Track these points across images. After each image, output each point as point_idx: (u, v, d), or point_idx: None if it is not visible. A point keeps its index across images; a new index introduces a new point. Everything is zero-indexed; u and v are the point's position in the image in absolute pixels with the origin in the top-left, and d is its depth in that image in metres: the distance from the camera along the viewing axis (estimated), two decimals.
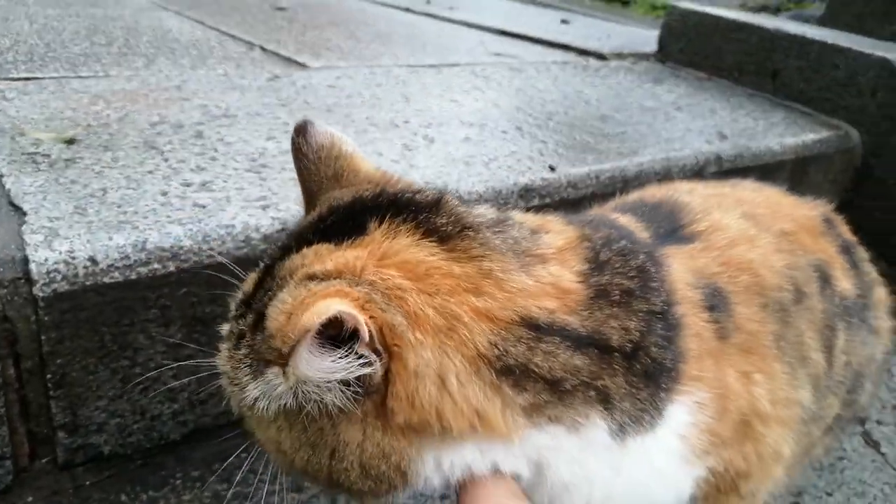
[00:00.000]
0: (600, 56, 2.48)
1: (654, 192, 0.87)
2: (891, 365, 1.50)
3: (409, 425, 0.50)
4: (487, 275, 0.52)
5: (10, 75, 1.43)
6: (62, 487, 0.89)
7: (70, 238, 0.82)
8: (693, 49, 2.37)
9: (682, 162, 1.48)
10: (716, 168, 1.54)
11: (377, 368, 0.48)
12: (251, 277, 0.58)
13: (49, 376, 0.84)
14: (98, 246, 0.82)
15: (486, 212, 0.58)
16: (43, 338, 0.81)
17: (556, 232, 0.61)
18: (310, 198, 0.64)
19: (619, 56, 2.50)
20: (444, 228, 0.54)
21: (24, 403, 0.84)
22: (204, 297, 0.90)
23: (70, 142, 1.09)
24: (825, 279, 0.79)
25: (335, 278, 0.49)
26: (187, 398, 0.96)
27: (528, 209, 1.15)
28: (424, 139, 1.35)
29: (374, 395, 0.49)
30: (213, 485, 0.93)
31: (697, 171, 1.50)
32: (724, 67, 2.26)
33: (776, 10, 5.07)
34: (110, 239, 0.84)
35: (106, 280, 0.82)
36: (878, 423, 1.32)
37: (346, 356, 0.47)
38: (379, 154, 1.24)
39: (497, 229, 0.56)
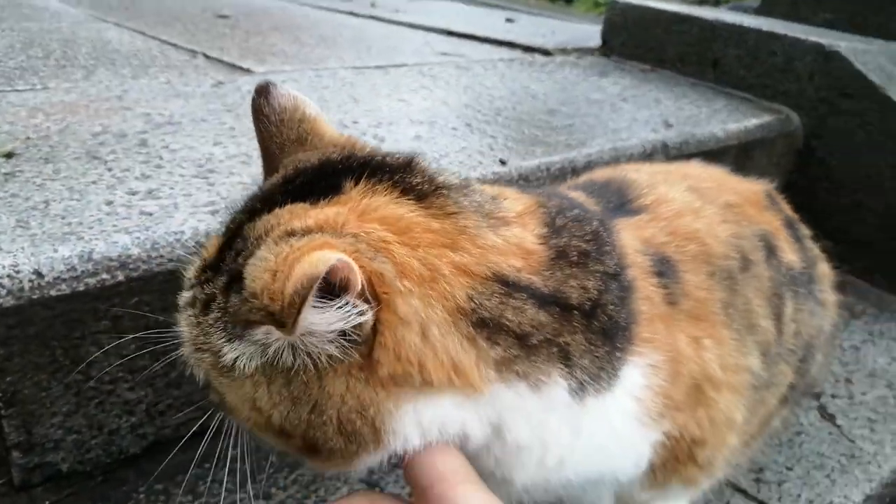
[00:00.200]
0: (546, 52, 2.51)
1: (602, 173, 0.90)
2: (840, 340, 1.56)
3: (392, 377, 0.50)
4: (462, 231, 0.53)
5: None
6: None
7: (13, 252, 0.80)
8: (635, 42, 2.41)
9: (630, 151, 1.50)
10: (662, 156, 1.57)
11: (369, 318, 0.48)
12: (212, 243, 0.57)
13: None
14: (43, 259, 0.80)
15: (451, 175, 0.59)
16: None
17: (514, 199, 0.62)
18: (270, 160, 0.64)
19: (564, 52, 2.53)
20: (419, 187, 0.55)
21: None
22: (156, 307, 0.89)
23: (9, 156, 1.06)
24: (770, 249, 0.82)
25: (317, 233, 0.49)
26: (145, 410, 0.94)
27: None
28: (374, 138, 1.35)
29: (361, 346, 0.49)
30: (178, 497, 0.91)
31: (645, 160, 1.53)
32: (667, 59, 2.31)
33: (716, 2, 5.20)
34: (55, 251, 0.81)
35: (53, 293, 0.80)
36: (833, 396, 1.37)
37: (344, 306, 0.47)
38: None
39: (464, 192, 0.57)
